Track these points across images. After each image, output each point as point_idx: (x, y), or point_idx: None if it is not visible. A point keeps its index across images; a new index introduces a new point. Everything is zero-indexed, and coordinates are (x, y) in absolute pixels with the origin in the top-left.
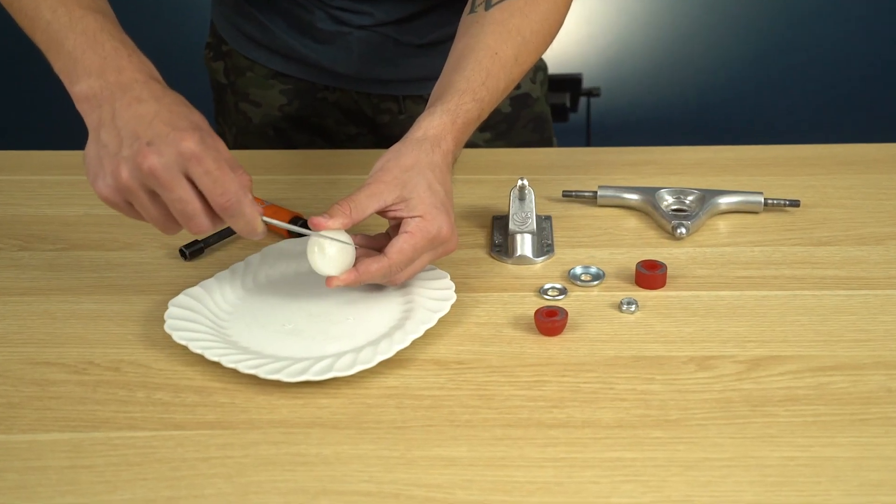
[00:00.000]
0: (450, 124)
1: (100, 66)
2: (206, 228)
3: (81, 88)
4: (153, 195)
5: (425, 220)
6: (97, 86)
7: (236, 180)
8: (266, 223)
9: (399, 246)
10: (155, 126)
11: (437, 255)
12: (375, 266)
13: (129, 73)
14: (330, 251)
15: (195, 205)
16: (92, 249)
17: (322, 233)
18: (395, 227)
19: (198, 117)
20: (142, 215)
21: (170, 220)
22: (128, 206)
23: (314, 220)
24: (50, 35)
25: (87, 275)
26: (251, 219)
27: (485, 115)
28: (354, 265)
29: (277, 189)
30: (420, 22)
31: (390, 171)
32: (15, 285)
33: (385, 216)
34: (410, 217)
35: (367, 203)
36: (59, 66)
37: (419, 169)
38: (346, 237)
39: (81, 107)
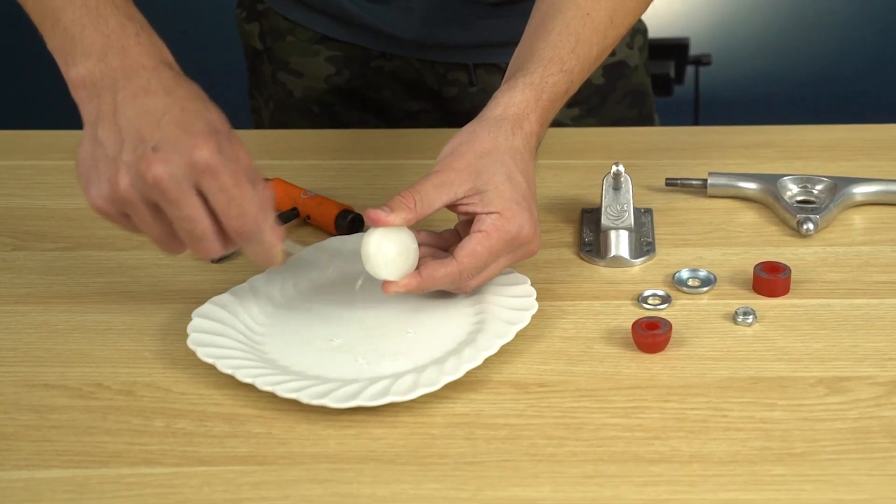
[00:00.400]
0: (533, 101)
1: (102, 47)
2: (215, 253)
3: (78, 73)
4: (156, 209)
5: (503, 217)
6: (97, 71)
7: (256, 199)
8: (287, 251)
9: (471, 248)
10: (164, 127)
11: (516, 259)
12: (442, 271)
13: (134, 57)
14: (388, 251)
15: (205, 225)
16: (100, 249)
17: (379, 230)
18: (467, 223)
19: (215, 116)
20: (140, 229)
21: (174, 238)
22: (124, 219)
23: (371, 214)
24: (44, 5)
25: (94, 279)
26: (270, 247)
27: (574, 89)
28: (417, 268)
29: (323, 176)
30: None
31: (463, 157)
32: (8, 292)
33: (455, 210)
34: (486, 213)
35: (434, 195)
36: (53, 45)
37: (497, 155)
38: (407, 235)
39: (77, 95)
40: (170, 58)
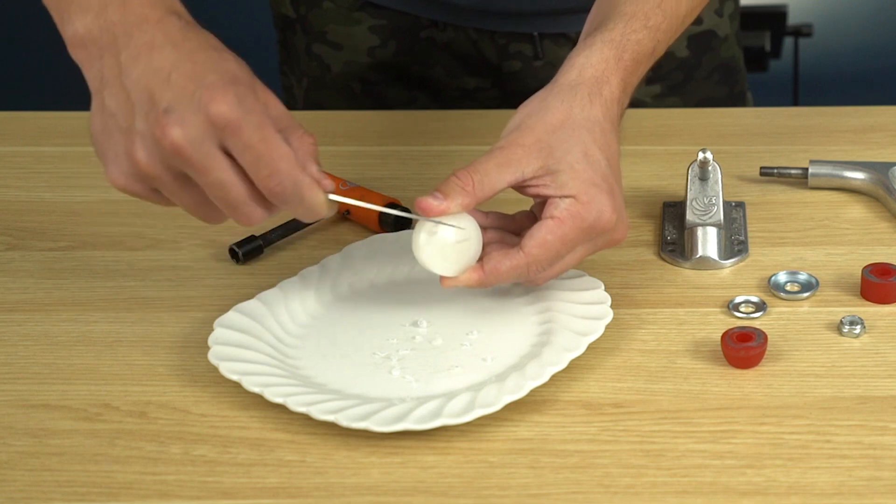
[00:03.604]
0: (614, 60)
1: None
2: (258, 218)
3: (76, 30)
4: (184, 178)
5: (579, 202)
6: (95, 27)
7: (289, 153)
8: (337, 202)
9: (541, 237)
10: (174, 83)
11: (597, 248)
12: (507, 264)
13: (136, 8)
14: (444, 241)
15: (238, 189)
16: (108, 248)
17: (433, 219)
18: (541, 205)
19: (232, 65)
20: (173, 202)
21: (211, 206)
22: (154, 194)
23: (422, 203)
24: None
25: (100, 283)
26: (313, 205)
27: (661, 51)
28: (480, 260)
29: (365, 165)
30: None
31: (531, 132)
32: (2, 298)
33: (523, 192)
34: (559, 197)
35: (497, 175)
36: None
37: (572, 128)
38: (468, 221)
39: (77, 56)
40: (178, 6)
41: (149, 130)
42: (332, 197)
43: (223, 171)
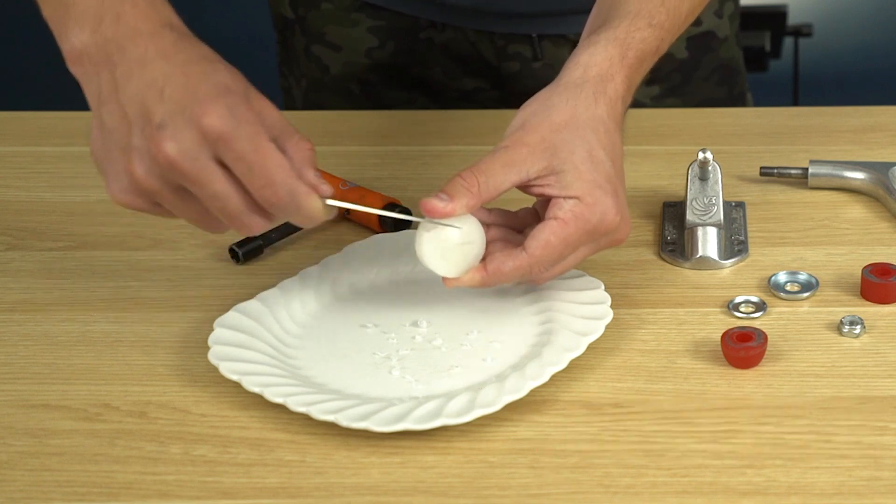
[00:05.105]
0: (618, 58)
1: (96, 14)
2: (258, 228)
3: (73, 46)
4: (183, 191)
5: (583, 203)
6: (92, 43)
7: (283, 162)
8: (335, 206)
9: (544, 238)
10: (168, 97)
11: (600, 248)
12: (510, 264)
13: (129, 23)
14: (447, 243)
15: (236, 201)
16: (108, 248)
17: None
18: (544, 203)
19: (224, 75)
20: (176, 215)
21: (212, 217)
22: (156, 208)
23: (427, 205)
24: None
25: (101, 283)
26: (310, 212)
27: (664, 49)
28: (483, 259)
29: (364, 165)
30: None
31: (535, 131)
32: (2, 298)
33: (527, 192)
34: (563, 198)
35: (502, 175)
36: (48, 13)
37: (576, 128)
38: (471, 222)
39: (75, 71)
40: (174, 19)
41: (145, 146)
42: (330, 202)
43: (219, 184)
